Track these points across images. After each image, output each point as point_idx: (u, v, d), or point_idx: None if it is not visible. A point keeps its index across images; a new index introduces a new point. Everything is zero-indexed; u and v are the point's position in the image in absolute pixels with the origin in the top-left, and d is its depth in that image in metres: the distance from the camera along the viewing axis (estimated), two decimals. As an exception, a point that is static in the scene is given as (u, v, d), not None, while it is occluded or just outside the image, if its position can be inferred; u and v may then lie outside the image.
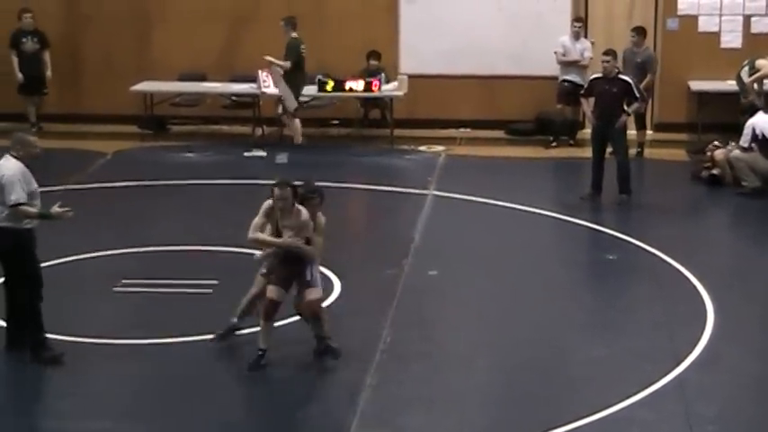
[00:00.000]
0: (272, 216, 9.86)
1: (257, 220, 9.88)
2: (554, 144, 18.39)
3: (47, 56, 19.06)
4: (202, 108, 19.22)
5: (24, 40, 18.97)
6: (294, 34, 17.71)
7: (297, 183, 10.02)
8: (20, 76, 18.87)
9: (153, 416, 9.22)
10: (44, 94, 19.19)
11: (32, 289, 9.94)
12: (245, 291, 10.33)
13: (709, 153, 16.22)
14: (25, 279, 9.89)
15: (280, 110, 18.01)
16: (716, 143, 16.40)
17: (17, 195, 9.59)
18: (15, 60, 18.93)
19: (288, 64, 17.53)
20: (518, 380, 9.85)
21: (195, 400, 9.46)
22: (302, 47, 17.69)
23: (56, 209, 9.73)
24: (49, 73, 19.05)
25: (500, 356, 10.45)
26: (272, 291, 9.88)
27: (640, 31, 17.94)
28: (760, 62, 17.01)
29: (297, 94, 17.80)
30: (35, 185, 9.78)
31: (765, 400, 9.66)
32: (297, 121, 17.96)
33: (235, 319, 10.36)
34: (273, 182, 9.89)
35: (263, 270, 10.09)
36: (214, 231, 13.69)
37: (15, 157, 9.76)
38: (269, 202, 9.86)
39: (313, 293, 9.97)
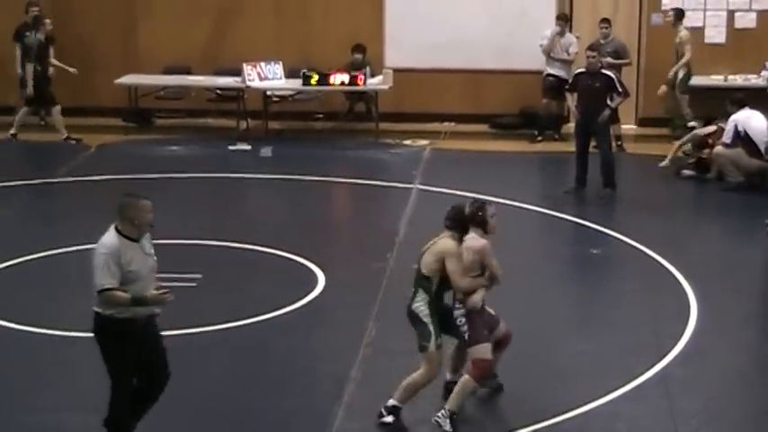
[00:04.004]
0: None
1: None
2: (539, 138, 18.39)
3: (51, 51, 18.48)
4: (187, 101, 19.17)
5: (29, 34, 18.23)
6: None
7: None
8: (19, 70, 18.30)
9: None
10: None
11: (115, 393, 8.25)
12: (229, 285, 10.21)
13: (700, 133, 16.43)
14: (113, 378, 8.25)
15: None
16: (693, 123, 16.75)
17: (100, 280, 8.00)
18: (19, 54, 18.33)
19: None
20: (503, 374, 9.84)
21: (177, 393, 9.43)
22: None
23: (153, 292, 8.12)
24: (51, 69, 18.45)
25: (485, 350, 10.45)
26: (487, 349, 8.97)
27: (610, 23, 17.96)
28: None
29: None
30: (137, 266, 8.12)
31: (749, 393, 9.70)
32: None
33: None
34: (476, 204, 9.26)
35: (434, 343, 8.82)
36: (198, 225, 13.67)
37: (117, 231, 8.18)
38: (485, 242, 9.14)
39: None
